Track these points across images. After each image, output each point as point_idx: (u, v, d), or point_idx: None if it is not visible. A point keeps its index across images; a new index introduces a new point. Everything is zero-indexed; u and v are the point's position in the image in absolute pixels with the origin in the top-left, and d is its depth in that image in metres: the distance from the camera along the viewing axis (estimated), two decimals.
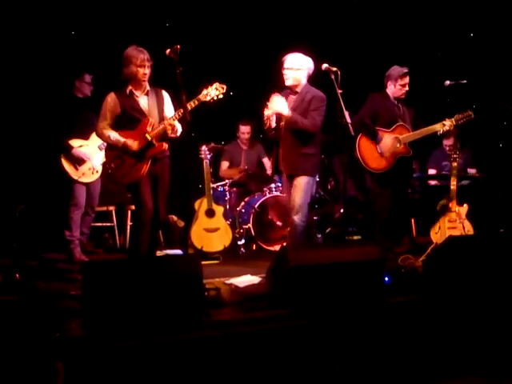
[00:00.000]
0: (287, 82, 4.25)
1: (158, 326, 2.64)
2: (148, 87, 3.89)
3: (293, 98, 4.27)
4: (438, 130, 4.63)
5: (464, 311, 3.16)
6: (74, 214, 4.64)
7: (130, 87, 3.83)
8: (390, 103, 4.74)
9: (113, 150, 3.87)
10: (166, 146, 3.86)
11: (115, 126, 3.85)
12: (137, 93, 3.86)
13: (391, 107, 4.73)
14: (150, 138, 3.79)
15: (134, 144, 3.78)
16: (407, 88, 4.69)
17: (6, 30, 5.14)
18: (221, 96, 3.82)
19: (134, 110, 3.83)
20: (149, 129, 3.80)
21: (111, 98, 3.83)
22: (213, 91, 3.78)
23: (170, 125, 3.78)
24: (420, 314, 3.12)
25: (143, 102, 3.88)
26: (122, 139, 3.80)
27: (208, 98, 3.80)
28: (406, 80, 4.67)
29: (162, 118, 3.91)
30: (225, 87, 3.81)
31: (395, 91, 4.71)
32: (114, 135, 3.82)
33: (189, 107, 3.72)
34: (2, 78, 5.09)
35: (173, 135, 3.88)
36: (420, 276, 3.58)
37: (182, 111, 3.72)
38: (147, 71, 3.80)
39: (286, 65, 4.23)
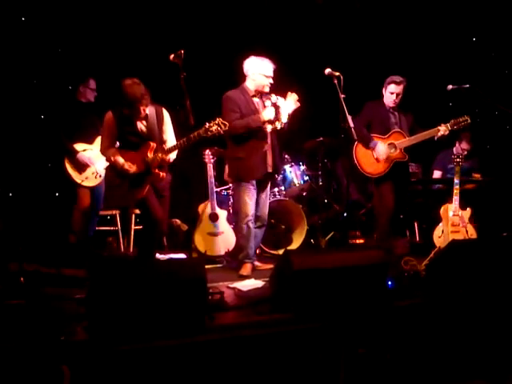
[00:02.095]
0: (268, 89, 4.35)
1: (162, 329, 2.66)
2: (147, 110, 3.86)
3: (256, 101, 4.36)
4: (433, 136, 4.68)
5: (467, 315, 3.16)
6: (79, 218, 4.67)
7: (128, 113, 3.81)
8: (385, 111, 4.78)
9: (113, 173, 3.91)
10: (163, 175, 3.84)
11: (115, 145, 3.92)
12: (135, 118, 3.85)
13: (386, 115, 4.76)
14: (149, 164, 3.80)
15: (131, 168, 3.80)
16: (395, 97, 4.70)
17: (11, 34, 5.17)
18: (222, 133, 3.76)
19: (132, 134, 3.86)
20: (149, 155, 3.81)
21: (109, 119, 3.86)
22: (214, 127, 3.71)
23: (163, 160, 3.80)
24: (423, 317, 3.12)
25: (141, 125, 3.89)
26: (121, 162, 3.81)
27: (209, 134, 3.72)
28: (393, 89, 4.68)
29: (161, 139, 3.94)
30: (227, 124, 3.75)
31: (385, 98, 4.77)
32: (114, 157, 3.85)
33: (187, 141, 3.75)
34: (6, 81, 5.13)
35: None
36: (423, 280, 3.58)
37: (178, 145, 3.79)
38: (146, 106, 3.79)
39: (271, 73, 4.31)
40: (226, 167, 6.06)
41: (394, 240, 4.81)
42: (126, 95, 3.72)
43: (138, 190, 3.81)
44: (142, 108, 3.78)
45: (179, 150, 3.89)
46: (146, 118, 3.88)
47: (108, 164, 4.13)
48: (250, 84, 4.36)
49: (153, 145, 3.82)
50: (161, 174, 3.83)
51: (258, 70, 4.30)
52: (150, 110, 3.89)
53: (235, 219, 4.58)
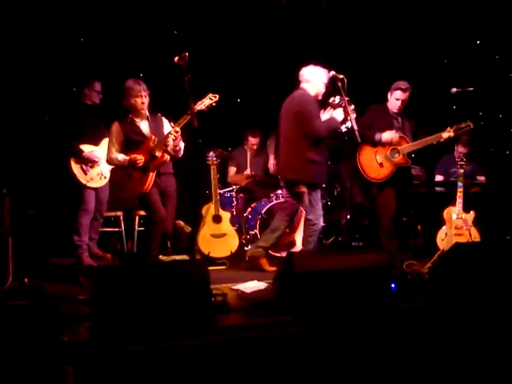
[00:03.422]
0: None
1: (165, 330, 2.66)
2: (147, 113, 4.16)
3: None
4: (436, 141, 4.67)
5: (471, 318, 3.15)
6: (83, 219, 4.68)
7: (130, 115, 4.12)
8: (388, 115, 4.78)
9: (120, 170, 4.13)
10: (167, 157, 4.07)
11: (123, 151, 4.12)
12: (137, 119, 4.14)
13: (389, 119, 4.77)
14: (152, 151, 4.01)
15: (139, 156, 4.02)
16: (400, 104, 4.70)
17: (17, 37, 5.20)
18: (214, 104, 4.09)
19: (135, 134, 4.11)
20: (151, 144, 4.05)
21: (115, 127, 4.13)
22: (206, 101, 4.08)
23: (176, 132, 3.99)
24: (426, 320, 3.12)
25: (144, 126, 4.15)
26: (128, 157, 4.06)
27: (203, 107, 4.07)
28: (399, 95, 4.69)
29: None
30: (217, 96, 4.09)
31: (390, 103, 4.77)
32: (121, 156, 4.10)
33: (185, 120, 3.99)
34: (11, 84, 5.15)
35: (176, 148, 4.09)
36: (426, 283, 3.58)
37: (185, 119, 4.00)
38: (145, 100, 4.08)
39: None
40: (230, 169, 6.10)
41: (399, 243, 4.80)
42: (126, 89, 4.06)
43: (145, 179, 4.02)
44: (141, 101, 4.04)
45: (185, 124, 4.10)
46: (147, 119, 4.15)
47: (112, 169, 4.24)
48: (311, 90, 4.46)
49: (153, 137, 4.05)
50: (165, 155, 4.04)
51: (322, 79, 4.45)
52: (150, 117, 4.17)
53: (310, 219, 4.50)
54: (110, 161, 4.19)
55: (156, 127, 4.16)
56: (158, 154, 4.01)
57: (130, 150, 4.09)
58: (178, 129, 3.99)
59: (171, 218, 4.26)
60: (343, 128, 4.38)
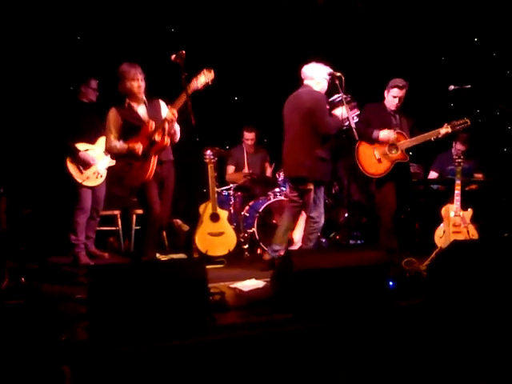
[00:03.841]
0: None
1: (163, 329, 2.66)
2: (144, 98, 4.08)
3: None
4: (433, 137, 4.69)
5: (469, 316, 3.15)
6: (80, 218, 4.66)
7: (127, 100, 4.03)
8: (386, 113, 4.81)
9: (121, 160, 4.03)
10: (167, 141, 3.99)
11: (121, 138, 4.02)
12: (134, 104, 4.05)
13: (387, 117, 4.80)
14: (151, 136, 3.93)
15: (137, 145, 3.93)
16: (397, 101, 4.73)
17: (12, 35, 5.18)
18: (210, 83, 3.91)
19: (133, 119, 4.02)
20: (150, 129, 3.96)
21: (112, 113, 4.03)
22: (201, 77, 3.90)
23: (173, 114, 3.90)
24: (425, 318, 3.12)
25: (142, 111, 4.06)
26: (127, 146, 3.96)
27: (198, 86, 3.89)
28: (396, 93, 4.71)
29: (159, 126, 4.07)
30: (212, 71, 3.92)
31: (387, 101, 4.80)
32: (119, 144, 4.00)
33: (181, 101, 3.88)
34: (7, 83, 5.13)
35: (171, 131, 4.00)
36: (424, 280, 3.58)
37: (181, 99, 3.88)
38: (141, 84, 4.00)
39: None
40: (229, 167, 6.09)
41: (399, 240, 4.80)
42: (121, 72, 3.97)
43: (147, 166, 3.93)
44: (137, 84, 3.96)
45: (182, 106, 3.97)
46: (145, 104, 4.07)
47: (109, 165, 4.19)
48: (316, 87, 4.46)
49: (151, 122, 3.96)
50: (165, 139, 3.96)
51: (324, 75, 4.45)
52: (147, 102, 4.08)
53: (313, 216, 4.50)
54: (109, 149, 4.10)
55: (154, 112, 4.08)
56: (158, 138, 3.94)
57: (129, 136, 3.99)
58: (174, 111, 3.91)
59: (167, 211, 4.19)
60: (346, 124, 4.38)
